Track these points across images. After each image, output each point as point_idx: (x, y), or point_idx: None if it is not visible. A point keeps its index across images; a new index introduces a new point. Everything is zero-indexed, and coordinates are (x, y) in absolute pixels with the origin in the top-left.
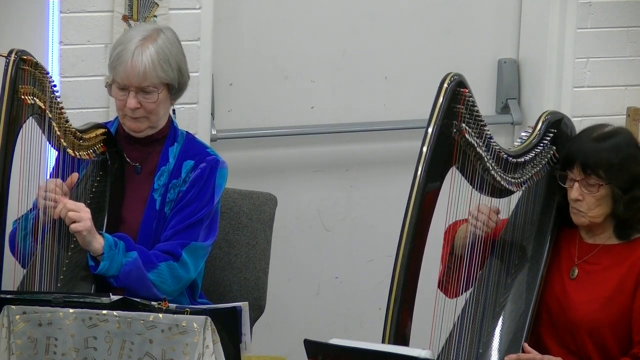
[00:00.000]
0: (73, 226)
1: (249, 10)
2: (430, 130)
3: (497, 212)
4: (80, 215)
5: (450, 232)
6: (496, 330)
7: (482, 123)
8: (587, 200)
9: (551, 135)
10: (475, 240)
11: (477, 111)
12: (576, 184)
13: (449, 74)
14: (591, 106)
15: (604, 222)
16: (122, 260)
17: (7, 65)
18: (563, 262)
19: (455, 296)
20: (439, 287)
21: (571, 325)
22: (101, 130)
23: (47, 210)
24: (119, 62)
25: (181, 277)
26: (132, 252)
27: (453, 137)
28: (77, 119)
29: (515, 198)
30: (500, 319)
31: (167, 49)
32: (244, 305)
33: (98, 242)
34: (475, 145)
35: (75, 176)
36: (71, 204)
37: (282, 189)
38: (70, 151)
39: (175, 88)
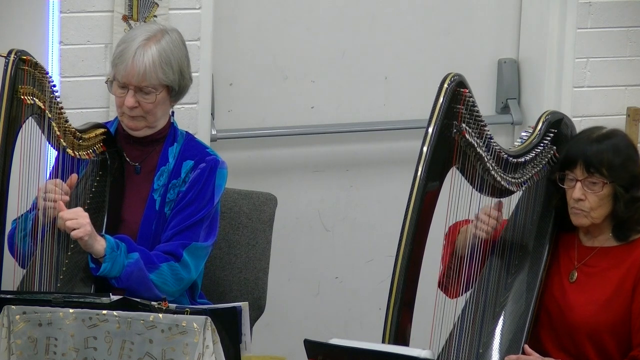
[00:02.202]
0: (73, 233)
1: (249, 10)
2: (430, 130)
3: (499, 209)
4: (79, 222)
5: (452, 232)
6: (496, 331)
7: (482, 123)
8: (589, 200)
9: (551, 135)
10: (478, 241)
11: (477, 111)
12: (578, 184)
13: (449, 74)
14: (591, 106)
15: (602, 224)
16: (124, 262)
17: (6, 65)
18: (562, 265)
19: (456, 296)
20: (439, 287)
21: (571, 328)
22: (101, 130)
23: (46, 212)
24: (121, 60)
25: (183, 278)
26: (133, 254)
27: (453, 137)
28: (77, 119)
29: (515, 198)
30: (501, 319)
31: (169, 51)
32: (244, 305)
33: (100, 244)
34: (476, 145)
35: (74, 177)
36: (67, 213)
37: (282, 189)
38: (69, 151)
39: (176, 90)
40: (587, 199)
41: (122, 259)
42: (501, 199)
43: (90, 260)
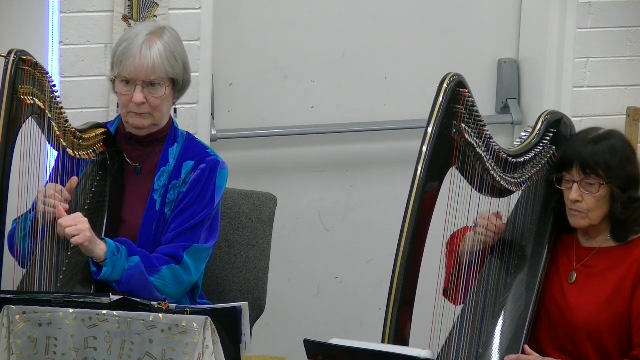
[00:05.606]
0: (73, 240)
1: (249, 10)
2: (430, 130)
3: (499, 217)
4: (78, 227)
5: (455, 240)
6: (496, 330)
7: (481, 123)
8: (586, 201)
9: (551, 135)
10: (481, 247)
11: (477, 111)
12: (575, 185)
13: (448, 74)
14: (591, 106)
15: (600, 225)
16: (125, 265)
17: (6, 66)
18: (561, 266)
19: (461, 303)
20: (444, 295)
21: (571, 329)
22: (101, 130)
23: (46, 215)
24: (126, 56)
25: (183, 280)
26: (134, 257)
27: (453, 137)
28: (77, 119)
29: (515, 198)
30: (500, 319)
31: (173, 45)
32: (244, 305)
33: (100, 249)
34: (475, 145)
35: (74, 181)
36: (66, 220)
37: (282, 189)
38: (70, 151)
39: (180, 85)
40: (584, 200)
41: (123, 262)
42: (499, 210)
43: (91, 264)
